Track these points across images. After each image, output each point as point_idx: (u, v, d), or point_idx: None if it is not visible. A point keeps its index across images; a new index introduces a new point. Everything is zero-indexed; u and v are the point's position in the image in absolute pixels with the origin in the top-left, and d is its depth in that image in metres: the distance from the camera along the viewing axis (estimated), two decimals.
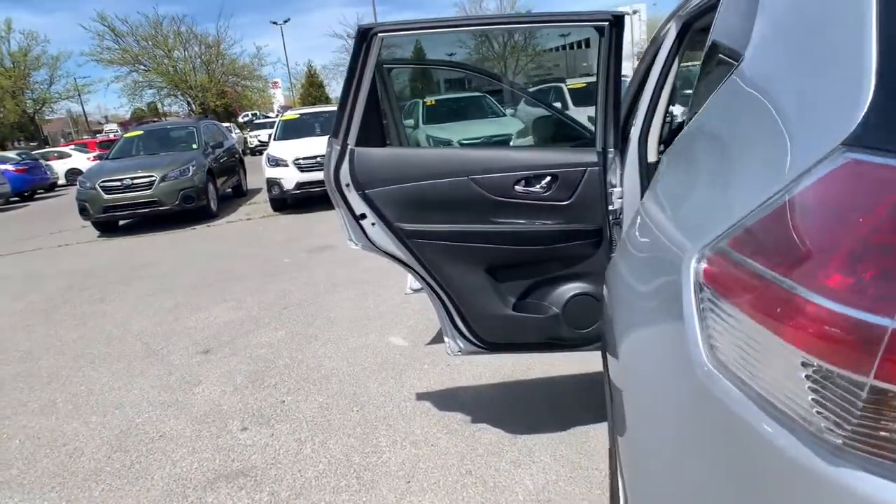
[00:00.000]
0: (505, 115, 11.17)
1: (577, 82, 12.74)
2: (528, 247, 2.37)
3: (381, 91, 2.42)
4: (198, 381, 3.90)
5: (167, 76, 33.38)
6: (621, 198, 2.49)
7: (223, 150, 11.89)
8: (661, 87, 2.38)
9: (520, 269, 2.43)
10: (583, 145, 2.66)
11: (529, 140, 10.66)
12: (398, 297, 5.01)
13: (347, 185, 2.30)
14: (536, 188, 2.36)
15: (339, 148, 2.27)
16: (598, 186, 2.36)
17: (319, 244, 7.53)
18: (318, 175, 9.60)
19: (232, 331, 4.78)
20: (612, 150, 2.39)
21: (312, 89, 38.50)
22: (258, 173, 11.07)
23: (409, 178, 2.30)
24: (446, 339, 2.62)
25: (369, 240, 2.41)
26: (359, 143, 2.28)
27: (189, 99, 34.45)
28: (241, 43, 76.25)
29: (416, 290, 3.08)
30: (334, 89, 45.34)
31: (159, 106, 40.20)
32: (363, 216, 2.36)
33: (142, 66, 33.51)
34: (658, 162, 2.49)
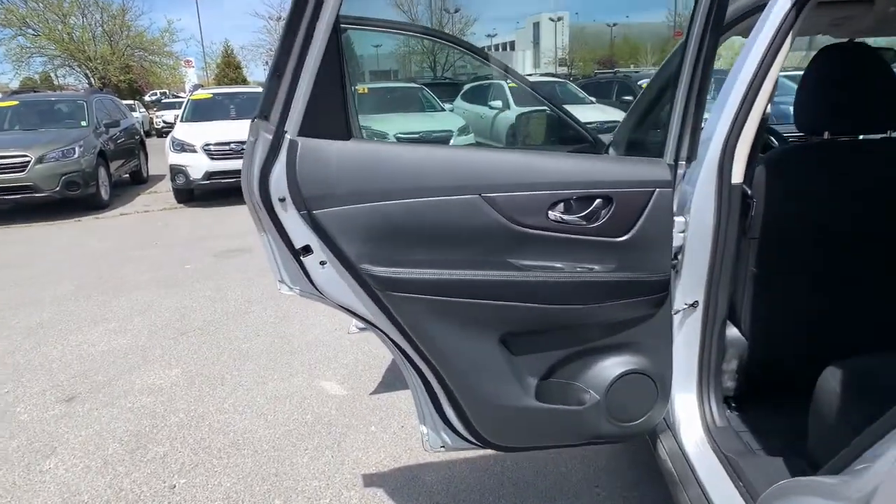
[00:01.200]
0: (443, 109, 10.36)
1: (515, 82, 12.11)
2: (562, 305, 1.54)
3: (339, 57, 1.50)
4: (51, 449, 2.81)
5: (61, 44, 29.98)
6: (683, 231, 1.71)
7: (120, 130, 10.34)
8: (762, 79, 1.62)
9: (547, 338, 1.61)
10: (636, 152, 1.86)
11: (471, 139, 9.93)
12: (332, 319, 4.07)
13: (282, 201, 1.38)
14: (579, 216, 1.54)
15: (269, 138, 1.35)
16: (669, 216, 1.57)
17: (231, 246, 6.40)
18: (232, 164, 8.39)
19: (110, 367, 3.67)
20: (685, 164, 1.61)
21: (229, 70, 35.95)
22: (163, 158, 9.66)
23: (387, 194, 1.41)
24: (424, 427, 1.75)
25: (315, 286, 1.50)
26: (305, 131, 1.37)
27: (88, 72, 31.20)
28: (149, 15, 71.01)
29: (361, 329, 2.17)
30: (252, 72, 42.83)
31: (53, 77, 36.42)
32: (306, 250, 1.45)
33: (30, 31, 30.01)
34: (747, 185, 1.73)
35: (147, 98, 34.09)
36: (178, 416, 3.06)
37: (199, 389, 3.33)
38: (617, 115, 9.66)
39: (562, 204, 1.53)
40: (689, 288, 1.77)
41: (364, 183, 1.39)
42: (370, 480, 2.48)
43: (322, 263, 1.47)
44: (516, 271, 1.49)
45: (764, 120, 1.63)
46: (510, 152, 1.49)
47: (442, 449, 1.76)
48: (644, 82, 10.66)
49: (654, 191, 1.53)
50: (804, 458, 1.51)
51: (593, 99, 12.16)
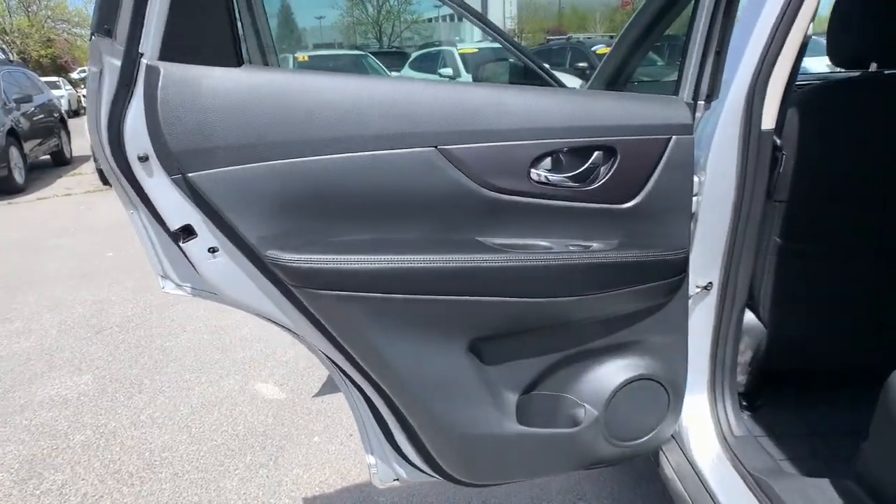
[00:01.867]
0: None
1: (469, 48, 11.63)
2: (550, 298, 1.15)
3: None
4: None
5: None
6: (697, 195, 1.35)
7: (35, 107, 9.40)
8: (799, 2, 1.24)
9: (530, 341, 1.21)
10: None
11: None
12: None
13: (144, 160, 0.94)
14: (571, 174, 1.15)
15: (117, 65, 0.90)
16: (688, 173, 1.19)
17: None
18: None
19: (7, 376, 3.12)
20: (704, 104, 1.24)
21: None
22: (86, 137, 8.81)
23: (299, 146, 0.98)
24: (372, 458, 1.35)
25: (208, 282, 1.06)
26: (170, 51, 0.91)
27: (4, 45, 28.98)
28: None
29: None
30: None
31: None
32: (187, 232, 1.01)
33: None
34: (778, 133, 1.36)
35: (74, 75, 32.02)
36: (85, 433, 2.58)
37: (111, 399, 2.83)
38: (574, 82, 9.35)
39: (548, 159, 1.13)
40: (702, 266, 1.40)
41: (264, 130, 0.95)
42: None
43: (212, 251, 1.03)
44: (488, 254, 1.08)
45: (804, 45, 1.26)
46: (478, 87, 1.07)
47: (395, 482, 1.36)
48: (599, 47, 10.34)
49: (669, 139, 1.14)
50: (853, 480, 1.17)
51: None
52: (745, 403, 1.69)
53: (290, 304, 1.05)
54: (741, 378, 1.66)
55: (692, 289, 1.42)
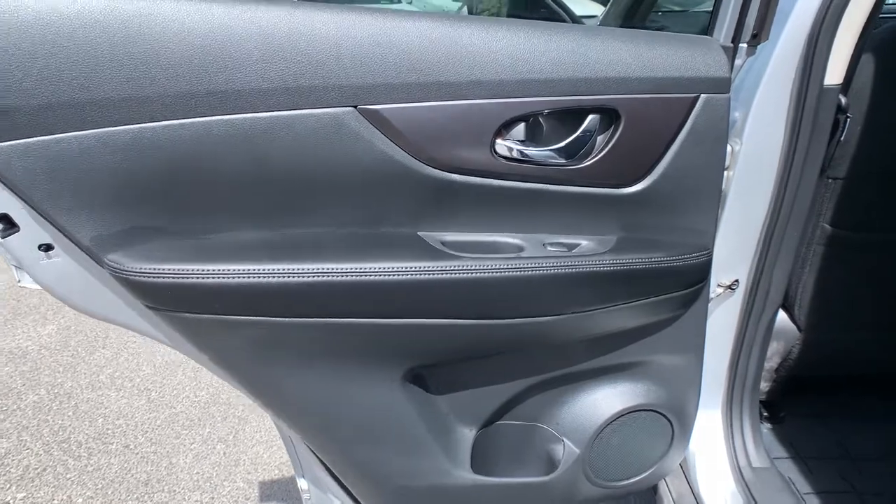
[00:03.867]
0: (400, 0, 9.14)
1: None
2: (522, 319, 0.85)
3: None
4: None
5: None
6: (727, 168, 1.03)
7: None
8: None
9: (494, 363, 0.92)
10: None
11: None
12: None
13: None
14: (555, 147, 0.82)
15: None
16: (720, 146, 0.86)
17: None
18: None
19: None
20: (746, 48, 0.89)
21: None
22: None
23: (144, 102, 0.66)
24: (303, 482, 1.10)
25: (48, 288, 0.78)
26: None
27: None
28: None
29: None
30: None
31: None
32: (7, 223, 0.72)
33: None
34: (844, 89, 1.01)
35: None
36: (39, 393, 2.39)
37: (72, 353, 2.63)
38: (594, 8, 8.63)
39: (521, 125, 0.81)
40: (728, 260, 1.10)
41: (86, 81, 0.64)
42: (269, 491, 1.87)
43: (45, 249, 0.74)
44: (432, 259, 0.78)
45: None
46: (420, 19, 0.74)
47: None
48: None
49: (696, 98, 0.81)
50: None
51: None
52: (765, 414, 1.42)
53: (162, 323, 0.77)
54: (764, 385, 1.38)
55: (713, 289, 1.11)
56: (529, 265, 0.79)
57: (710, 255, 0.91)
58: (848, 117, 1.03)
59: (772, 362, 1.33)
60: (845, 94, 1.01)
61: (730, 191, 1.05)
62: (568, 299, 0.84)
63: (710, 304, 1.14)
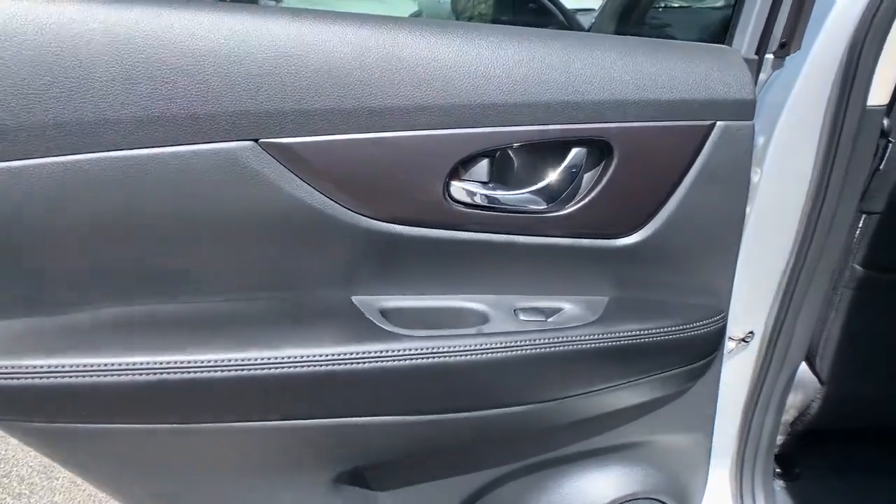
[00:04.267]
0: None
1: None
2: (483, 412, 0.66)
3: None
4: None
5: None
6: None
7: None
8: None
9: (453, 458, 0.74)
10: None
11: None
12: None
13: None
14: (527, 189, 0.64)
15: None
16: (741, 183, 0.68)
17: None
18: None
19: None
20: (773, 59, 0.71)
21: None
22: None
23: None
24: None
25: None
26: None
27: None
28: None
29: None
30: None
31: None
32: None
33: None
34: (890, 107, 0.83)
35: None
36: None
37: None
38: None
39: (485, 161, 0.63)
40: (741, 310, 0.92)
41: None
42: None
43: None
44: (371, 343, 0.59)
45: None
46: (345, 22, 0.55)
47: None
48: None
49: (711, 125, 0.63)
50: None
51: None
52: (778, 470, 1.24)
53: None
54: (778, 438, 1.21)
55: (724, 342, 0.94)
56: (496, 345, 0.61)
57: (725, 319, 0.73)
58: (890, 142, 0.85)
59: (788, 416, 1.16)
60: (888, 116, 0.84)
61: (747, 228, 0.87)
62: (546, 385, 0.66)
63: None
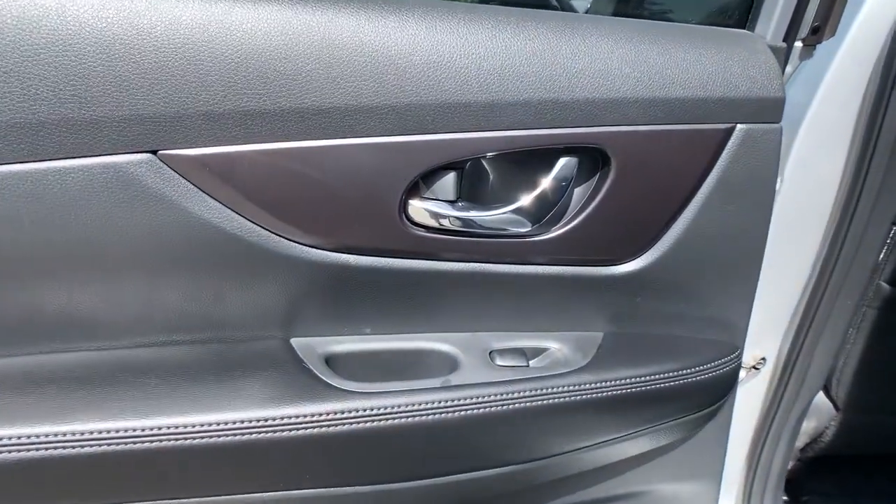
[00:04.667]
0: None
1: None
2: (451, 477, 0.55)
3: None
4: None
5: None
6: None
7: None
8: None
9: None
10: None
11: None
12: None
13: None
14: (503, 209, 0.52)
15: None
16: (766, 196, 0.57)
17: None
18: None
19: None
20: (802, 47, 0.59)
21: None
22: None
23: None
24: None
25: None
26: None
27: None
28: None
29: None
30: None
31: None
32: None
33: None
34: None
35: None
36: None
37: None
38: None
39: (451, 175, 0.51)
40: (754, 334, 0.81)
41: None
42: None
43: None
44: (310, 403, 0.47)
45: None
46: (271, 1, 0.43)
47: None
48: None
49: (730, 129, 0.52)
50: None
51: None
52: (786, 498, 1.14)
53: None
54: (789, 464, 1.11)
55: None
56: (464, 401, 0.50)
57: (740, 357, 0.62)
58: None
59: (799, 442, 1.06)
60: None
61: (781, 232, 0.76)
62: (526, 444, 0.55)
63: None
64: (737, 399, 0.87)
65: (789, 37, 0.56)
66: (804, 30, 0.58)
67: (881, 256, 0.86)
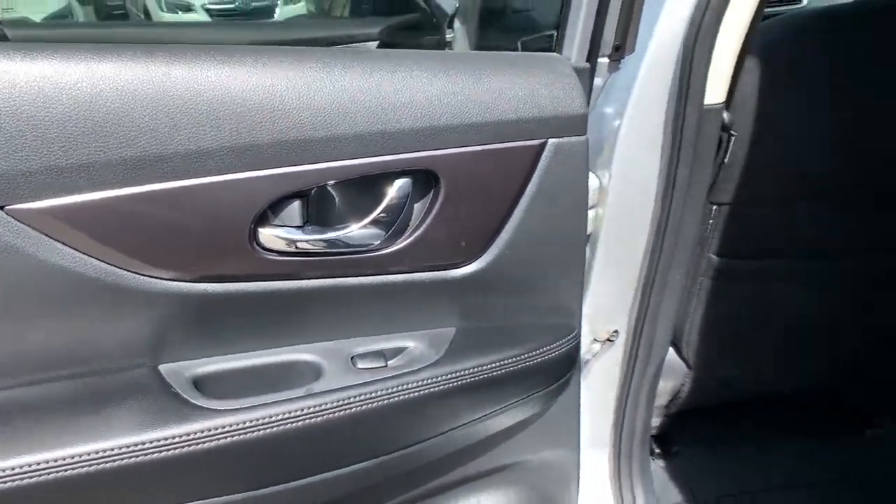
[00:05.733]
0: None
1: None
2: (310, 479, 0.61)
3: None
4: None
5: None
6: (595, 206, 0.84)
7: None
8: None
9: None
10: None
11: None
12: None
13: None
14: (346, 229, 0.58)
15: None
16: (579, 198, 0.66)
17: None
18: None
19: None
20: (609, 63, 0.69)
21: None
22: None
23: None
24: None
25: None
26: None
27: None
28: None
29: None
30: None
31: None
32: None
33: None
34: (725, 107, 0.83)
35: None
36: None
37: None
38: None
39: (296, 202, 0.56)
40: (605, 311, 0.91)
41: None
42: None
43: None
44: (177, 425, 0.51)
45: None
46: (106, 56, 0.46)
47: None
48: None
49: (542, 144, 0.60)
50: None
51: None
52: (658, 451, 1.29)
53: None
54: (654, 420, 1.24)
55: (589, 346, 0.93)
56: (328, 405, 0.55)
57: (578, 337, 0.71)
58: (732, 136, 0.86)
59: (662, 399, 1.19)
60: (728, 109, 0.84)
61: (601, 231, 0.85)
62: (392, 437, 0.61)
63: (588, 362, 0.96)
64: (599, 367, 0.98)
65: (592, 56, 0.65)
66: (606, 49, 0.67)
67: (707, 233, 0.99)
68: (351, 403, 0.56)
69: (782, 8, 2.23)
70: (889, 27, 0.87)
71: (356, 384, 0.57)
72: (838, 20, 0.90)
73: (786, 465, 1.25)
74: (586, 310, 0.95)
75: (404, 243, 0.58)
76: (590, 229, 0.89)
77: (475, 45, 1.21)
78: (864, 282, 1.07)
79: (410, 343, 0.63)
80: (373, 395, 0.57)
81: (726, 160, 0.87)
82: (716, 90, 0.75)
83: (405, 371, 0.60)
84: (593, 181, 0.85)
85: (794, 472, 1.23)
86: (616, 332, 0.94)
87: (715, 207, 0.94)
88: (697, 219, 0.84)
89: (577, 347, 0.72)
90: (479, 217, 0.60)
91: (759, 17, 0.72)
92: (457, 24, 1.51)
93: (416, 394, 0.60)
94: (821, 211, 0.96)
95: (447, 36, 1.70)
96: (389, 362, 0.61)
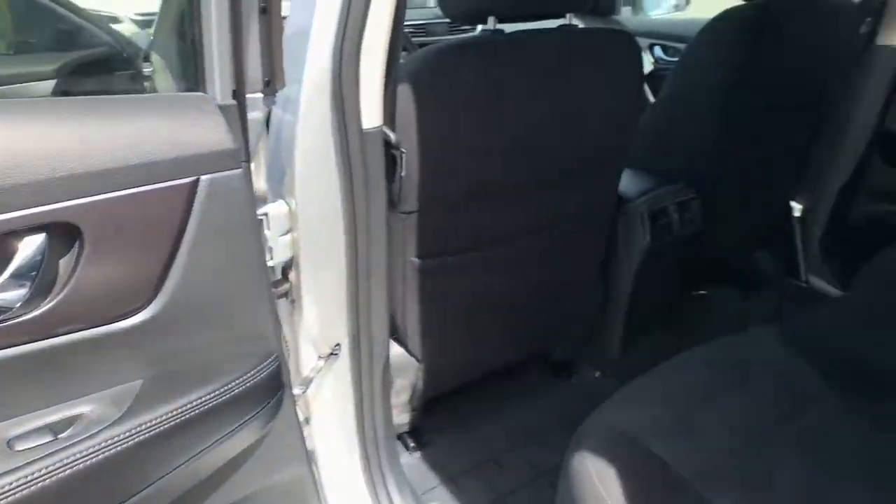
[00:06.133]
0: None
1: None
2: None
3: None
4: None
5: None
6: (290, 231, 0.88)
7: None
8: None
9: None
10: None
11: None
12: None
13: None
14: None
15: None
16: (250, 225, 0.68)
17: None
18: None
19: None
20: (265, 95, 0.73)
21: None
22: None
23: None
24: None
25: None
26: None
27: None
28: None
29: None
30: None
31: None
32: None
33: None
34: (392, 122, 0.93)
35: None
36: None
37: None
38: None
39: None
40: (322, 329, 0.95)
41: None
42: None
43: None
44: None
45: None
46: None
47: None
48: None
49: (195, 182, 0.60)
50: None
51: None
52: (412, 444, 1.37)
53: None
54: (403, 417, 1.32)
55: (312, 363, 0.96)
56: None
57: (279, 359, 0.73)
58: (403, 152, 0.95)
59: (403, 397, 1.27)
60: (394, 129, 0.93)
61: (300, 254, 0.89)
62: (91, 501, 0.57)
63: (317, 378, 0.99)
64: (332, 379, 1.01)
65: (239, 94, 0.67)
66: (257, 84, 0.70)
67: (403, 239, 1.08)
68: (8, 491, 0.51)
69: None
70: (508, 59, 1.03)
71: (11, 469, 0.51)
72: (473, 53, 1.03)
73: (517, 417, 1.43)
74: (305, 331, 0.97)
75: (54, 302, 0.54)
76: (290, 254, 0.91)
77: (178, 76, 1.17)
78: (545, 255, 1.27)
79: (86, 408, 0.59)
80: (39, 475, 0.52)
81: (403, 174, 0.96)
82: (372, 115, 0.82)
83: (79, 439, 0.56)
84: (283, 207, 0.88)
85: (522, 423, 1.41)
86: (338, 345, 0.98)
87: (404, 215, 1.03)
88: (383, 229, 0.92)
89: (279, 368, 0.74)
90: (140, 261, 0.58)
91: (396, 43, 0.82)
92: (155, 57, 1.43)
93: (100, 457, 0.56)
94: (495, 204, 1.11)
95: (145, 70, 1.60)
96: (62, 434, 0.56)
